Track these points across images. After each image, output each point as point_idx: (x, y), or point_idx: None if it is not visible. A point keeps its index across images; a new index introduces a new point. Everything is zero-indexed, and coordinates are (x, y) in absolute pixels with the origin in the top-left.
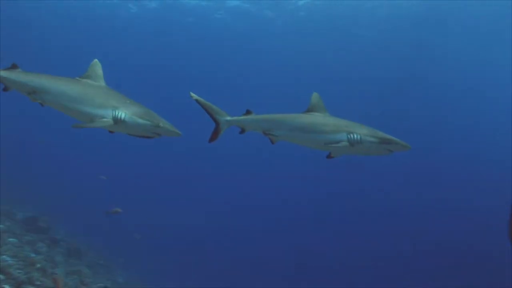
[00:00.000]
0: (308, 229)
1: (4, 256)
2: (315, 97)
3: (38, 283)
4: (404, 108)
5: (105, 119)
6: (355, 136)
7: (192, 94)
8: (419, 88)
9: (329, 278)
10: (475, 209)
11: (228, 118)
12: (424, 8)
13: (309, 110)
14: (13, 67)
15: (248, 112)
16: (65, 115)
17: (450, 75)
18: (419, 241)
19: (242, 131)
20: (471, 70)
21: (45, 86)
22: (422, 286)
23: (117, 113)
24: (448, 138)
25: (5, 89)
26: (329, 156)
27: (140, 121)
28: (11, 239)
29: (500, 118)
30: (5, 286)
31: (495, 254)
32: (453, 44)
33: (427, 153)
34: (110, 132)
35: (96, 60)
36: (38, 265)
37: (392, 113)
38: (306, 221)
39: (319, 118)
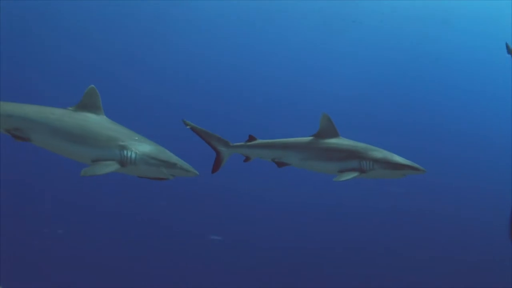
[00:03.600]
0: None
1: None
2: (324, 118)
3: None
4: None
5: (110, 162)
6: (367, 163)
7: (186, 121)
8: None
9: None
10: (475, 209)
11: (230, 146)
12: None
13: (320, 133)
14: None
15: (251, 138)
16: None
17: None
18: (418, 241)
19: (247, 159)
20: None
21: (31, 121)
22: (422, 286)
23: (125, 153)
24: (446, 136)
25: None
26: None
27: (154, 161)
28: None
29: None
30: None
31: (495, 254)
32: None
33: (427, 152)
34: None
35: (92, 86)
36: None
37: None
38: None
39: (332, 144)
